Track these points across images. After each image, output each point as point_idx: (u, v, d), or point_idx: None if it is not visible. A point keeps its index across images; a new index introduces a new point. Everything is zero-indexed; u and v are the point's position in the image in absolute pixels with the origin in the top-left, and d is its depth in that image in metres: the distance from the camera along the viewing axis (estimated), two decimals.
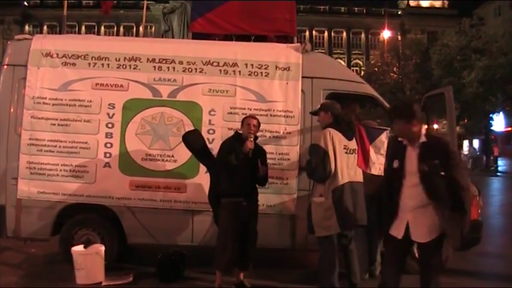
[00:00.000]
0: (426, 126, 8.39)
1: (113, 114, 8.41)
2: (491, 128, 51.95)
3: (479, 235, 8.77)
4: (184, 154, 8.30)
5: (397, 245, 5.70)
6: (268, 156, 8.23)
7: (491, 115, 48.75)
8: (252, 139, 7.45)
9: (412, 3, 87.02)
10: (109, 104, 8.41)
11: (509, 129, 53.61)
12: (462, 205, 5.42)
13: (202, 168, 8.28)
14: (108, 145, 8.38)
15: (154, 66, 8.53)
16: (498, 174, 41.82)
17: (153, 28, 12.06)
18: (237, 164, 7.29)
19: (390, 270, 5.80)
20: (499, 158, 47.73)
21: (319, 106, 7.45)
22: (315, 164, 6.93)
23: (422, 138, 5.62)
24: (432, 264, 5.61)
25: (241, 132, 7.65)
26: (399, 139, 5.81)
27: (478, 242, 8.79)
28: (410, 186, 5.61)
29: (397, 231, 5.66)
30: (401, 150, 5.72)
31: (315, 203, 7.12)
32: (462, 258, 8.91)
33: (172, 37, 11.05)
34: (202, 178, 8.29)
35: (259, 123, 7.65)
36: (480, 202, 8.84)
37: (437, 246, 5.58)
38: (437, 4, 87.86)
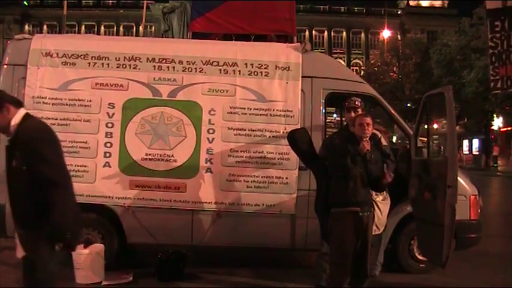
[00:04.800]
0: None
1: (113, 114, 8.39)
2: (491, 127, 52.05)
3: (479, 235, 8.80)
4: (184, 153, 8.32)
5: None
6: (268, 156, 8.27)
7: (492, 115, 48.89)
8: (368, 139, 6.47)
9: (411, 3, 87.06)
10: (109, 104, 8.40)
11: (509, 128, 53.60)
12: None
13: (203, 167, 8.29)
14: (108, 145, 8.36)
15: (154, 66, 8.52)
16: (498, 173, 41.87)
17: (153, 28, 12.07)
18: (353, 168, 6.34)
19: None
20: (498, 158, 47.88)
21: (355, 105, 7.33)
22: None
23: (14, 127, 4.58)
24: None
25: (350, 129, 6.89)
26: None
27: (477, 242, 8.83)
28: None
29: None
30: None
31: (382, 203, 7.46)
32: (461, 258, 8.90)
33: (172, 37, 11.05)
34: (203, 178, 8.31)
35: (372, 121, 6.67)
36: (480, 202, 8.86)
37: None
38: (437, 4, 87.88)
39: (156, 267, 8.30)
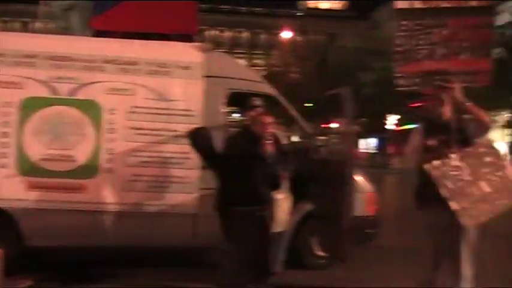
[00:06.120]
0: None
1: (9, 113, 8.14)
2: (388, 127, 53.90)
3: (376, 230, 9.15)
4: (83, 154, 8.17)
5: None
6: (170, 155, 8.28)
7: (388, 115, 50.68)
8: (268, 139, 6.54)
9: (310, 5, 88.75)
10: (5, 103, 8.14)
11: (404, 128, 55.59)
12: None
13: (103, 168, 8.19)
14: (5, 145, 8.12)
15: (53, 64, 8.31)
16: (392, 171, 43.31)
17: (52, 25, 11.77)
18: (254, 168, 6.46)
19: None
20: (393, 156, 49.61)
21: None
22: None
23: None
24: None
25: (251, 128, 6.85)
26: None
27: (375, 237, 9.17)
28: None
29: None
30: None
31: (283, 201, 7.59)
32: (360, 252, 9.14)
33: (73, 34, 10.84)
34: (103, 178, 8.23)
35: (272, 120, 6.77)
36: (376, 198, 9.19)
37: None
38: (337, 6, 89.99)
39: (57, 270, 8.14)
